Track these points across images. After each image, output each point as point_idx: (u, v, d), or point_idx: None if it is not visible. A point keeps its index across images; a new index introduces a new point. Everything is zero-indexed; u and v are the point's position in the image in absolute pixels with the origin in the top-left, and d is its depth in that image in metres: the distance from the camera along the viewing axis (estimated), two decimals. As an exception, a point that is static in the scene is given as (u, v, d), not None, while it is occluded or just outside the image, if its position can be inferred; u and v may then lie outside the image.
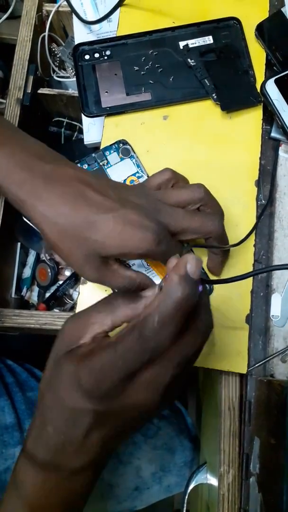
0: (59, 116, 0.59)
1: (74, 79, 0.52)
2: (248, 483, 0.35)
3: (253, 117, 0.42)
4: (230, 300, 0.38)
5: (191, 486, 0.48)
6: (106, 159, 0.41)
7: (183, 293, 0.23)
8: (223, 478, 0.37)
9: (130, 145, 0.41)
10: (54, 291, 0.54)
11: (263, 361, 0.37)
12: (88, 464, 0.27)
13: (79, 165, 0.40)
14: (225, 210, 0.36)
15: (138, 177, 0.40)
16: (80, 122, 0.58)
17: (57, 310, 0.54)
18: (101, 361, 0.25)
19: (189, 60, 0.43)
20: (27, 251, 0.57)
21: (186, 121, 0.42)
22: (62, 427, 0.26)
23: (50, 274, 0.54)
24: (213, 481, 0.44)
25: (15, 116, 0.48)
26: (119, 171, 0.40)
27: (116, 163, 0.41)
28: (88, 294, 0.39)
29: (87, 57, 0.43)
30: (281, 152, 0.42)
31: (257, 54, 0.43)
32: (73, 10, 0.49)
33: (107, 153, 0.41)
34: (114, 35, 0.44)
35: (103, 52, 0.43)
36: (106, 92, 0.42)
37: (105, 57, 0.43)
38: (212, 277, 0.38)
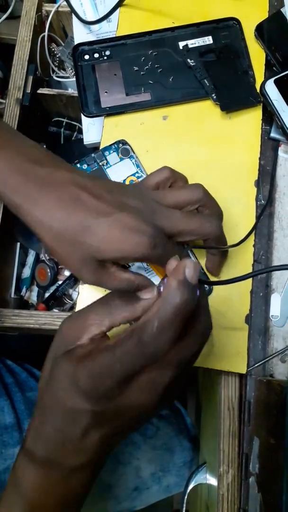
0: (58, 116, 0.59)
1: (74, 79, 0.52)
2: (247, 483, 0.35)
3: (253, 117, 0.42)
4: (230, 300, 0.38)
5: (190, 486, 0.48)
6: (106, 159, 0.41)
7: (182, 299, 0.24)
8: (222, 478, 0.37)
9: (129, 145, 0.41)
10: (53, 291, 0.54)
11: (263, 361, 0.37)
12: (87, 463, 0.27)
13: (78, 165, 0.40)
14: (224, 210, 0.36)
15: (138, 177, 0.40)
16: (80, 122, 0.58)
17: (57, 310, 0.54)
18: (100, 364, 0.25)
19: (188, 60, 0.43)
20: (26, 251, 0.57)
21: (186, 121, 0.42)
22: (60, 426, 0.26)
23: (49, 274, 0.54)
24: (213, 481, 0.44)
25: (15, 116, 0.48)
26: (119, 171, 0.41)
27: (116, 163, 0.41)
28: (88, 294, 0.39)
29: (86, 57, 0.43)
30: (280, 153, 0.42)
31: (257, 55, 0.43)
32: (73, 10, 0.49)
33: (106, 153, 0.41)
34: (114, 35, 0.44)
35: (103, 52, 0.43)
36: (106, 92, 0.42)
37: (105, 57, 0.43)
38: (211, 278, 0.38)
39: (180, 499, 0.50)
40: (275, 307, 0.39)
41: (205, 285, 0.38)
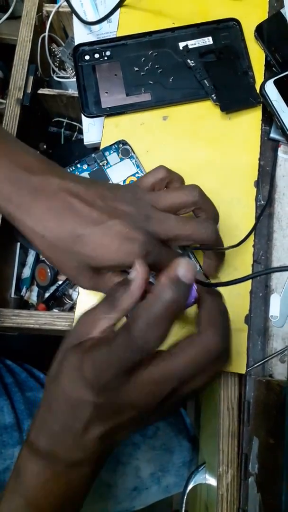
0: (59, 117, 0.59)
1: (74, 79, 0.52)
2: (247, 483, 0.35)
3: (253, 118, 0.42)
4: (229, 300, 0.38)
5: (190, 486, 0.48)
6: (106, 159, 0.41)
7: (172, 296, 0.24)
8: (222, 478, 0.37)
9: (129, 146, 0.41)
10: (53, 291, 0.54)
11: (262, 361, 0.37)
12: (87, 459, 0.27)
13: (79, 165, 0.40)
14: (224, 210, 0.36)
15: (138, 178, 0.40)
16: (80, 122, 0.58)
17: (57, 310, 0.54)
18: (101, 355, 0.25)
19: (188, 60, 0.43)
20: (26, 251, 0.57)
21: (186, 122, 0.42)
22: (63, 418, 0.26)
23: (49, 274, 0.54)
24: (212, 481, 0.44)
25: (15, 116, 0.48)
26: (119, 171, 0.41)
27: (116, 164, 0.41)
28: (87, 294, 0.39)
29: (87, 57, 0.43)
30: (280, 153, 0.42)
31: (257, 55, 0.43)
32: (73, 11, 0.50)
33: (107, 153, 0.41)
34: (114, 36, 0.44)
35: (103, 52, 0.43)
36: (106, 92, 0.42)
37: (105, 58, 0.43)
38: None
39: (180, 499, 0.50)
40: (274, 308, 0.39)
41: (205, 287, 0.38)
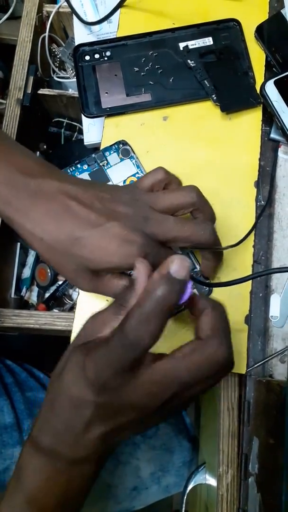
0: (59, 117, 0.59)
1: (74, 79, 0.52)
2: (247, 483, 0.35)
3: (253, 118, 0.42)
4: (229, 300, 0.38)
5: (190, 487, 0.48)
6: (106, 159, 0.41)
7: (163, 292, 0.24)
8: (222, 478, 0.37)
9: (130, 146, 0.41)
10: (53, 291, 0.54)
11: (262, 362, 0.37)
12: (87, 457, 0.27)
13: (79, 165, 0.40)
14: (224, 210, 0.36)
15: (138, 178, 0.40)
16: (80, 122, 0.58)
17: (57, 310, 0.54)
18: (101, 353, 0.25)
19: (189, 61, 0.43)
20: (26, 251, 0.57)
21: (186, 122, 0.42)
22: (65, 416, 0.27)
23: (49, 274, 0.54)
24: (212, 481, 0.44)
25: (15, 116, 0.48)
26: (119, 171, 0.41)
27: (116, 164, 0.41)
28: (88, 294, 0.39)
29: (87, 58, 0.43)
30: (280, 153, 0.43)
31: (257, 56, 0.43)
32: (74, 11, 0.50)
33: (107, 153, 0.41)
34: (114, 36, 0.44)
35: (103, 53, 0.43)
36: (106, 92, 0.42)
37: (105, 58, 0.43)
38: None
39: (180, 500, 0.50)
40: (274, 308, 0.39)
41: (207, 287, 0.38)
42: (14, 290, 0.53)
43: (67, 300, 0.55)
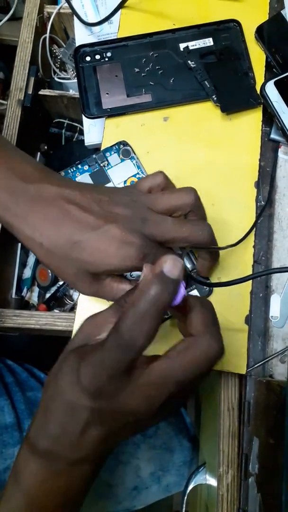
0: (60, 117, 0.60)
1: (75, 80, 0.52)
2: (247, 483, 0.35)
3: (253, 118, 0.42)
4: (230, 301, 0.38)
5: (190, 487, 0.48)
6: (107, 160, 0.41)
7: (156, 291, 0.24)
8: (222, 478, 0.37)
9: (130, 146, 0.41)
10: (54, 292, 0.54)
11: (262, 362, 0.37)
12: (86, 458, 0.27)
13: (79, 166, 0.41)
14: (224, 211, 0.36)
15: (139, 178, 0.41)
16: (81, 123, 0.58)
17: (57, 311, 0.54)
18: (95, 357, 0.25)
19: (189, 62, 0.43)
20: (27, 251, 0.57)
21: (186, 123, 0.42)
22: (61, 419, 0.26)
23: (50, 274, 0.54)
24: (212, 481, 0.44)
25: (16, 117, 0.48)
26: (120, 172, 0.41)
27: (117, 164, 0.41)
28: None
29: (88, 58, 0.43)
30: (280, 154, 0.43)
31: (257, 56, 0.44)
32: (74, 12, 0.50)
33: (107, 154, 0.41)
34: (115, 37, 0.44)
35: (104, 53, 0.43)
36: (107, 93, 0.42)
37: (106, 59, 0.43)
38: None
39: (180, 500, 0.50)
40: (274, 308, 0.39)
41: (207, 287, 0.38)
42: (15, 290, 0.53)
43: (68, 300, 0.55)
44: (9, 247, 0.53)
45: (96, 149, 0.49)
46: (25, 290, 0.55)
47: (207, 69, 0.42)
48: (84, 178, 0.41)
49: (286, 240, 0.41)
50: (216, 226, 0.35)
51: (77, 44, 0.44)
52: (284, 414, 0.34)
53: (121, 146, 0.41)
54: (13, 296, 0.53)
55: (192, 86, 0.42)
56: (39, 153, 0.58)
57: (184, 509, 0.49)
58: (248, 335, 0.38)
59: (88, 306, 0.38)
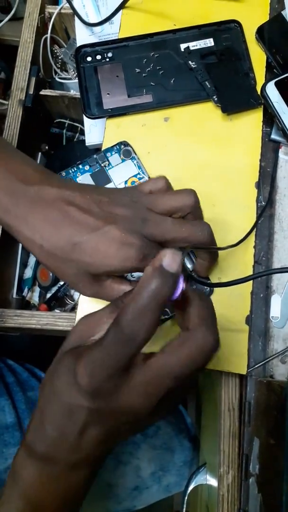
0: (61, 118, 0.60)
1: (76, 80, 0.52)
2: (247, 484, 0.35)
3: (254, 119, 0.42)
4: (230, 301, 0.38)
5: (190, 487, 0.48)
6: (108, 160, 0.41)
7: (156, 285, 0.24)
8: (222, 478, 0.37)
9: (131, 147, 0.41)
10: (55, 292, 0.54)
11: (263, 362, 0.38)
12: (85, 460, 0.27)
13: (80, 166, 0.41)
14: (225, 211, 0.36)
15: (139, 179, 0.41)
16: (82, 123, 0.58)
17: (58, 311, 0.54)
18: (93, 357, 0.25)
19: (190, 62, 0.43)
20: (28, 251, 0.57)
21: (187, 123, 0.42)
22: (59, 421, 0.26)
23: (51, 274, 0.54)
24: (213, 481, 0.44)
25: (17, 117, 0.48)
26: (121, 172, 0.41)
27: (118, 164, 0.41)
28: (89, 294, 0.39)
29: (89, 59, 0.43)
30: (281, 154, 0.43)
31: (258, 57, 0.44)
32: (75, 12, 0.50)
33: (108, 154, 0.41)
34: (116, 37, 0.44)
35: (105, 54, 0.43)
36: (108, 93, 0.42)
37: (107, 59, 0.43)
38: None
39: (181, 500, 0.50)
40: (275, 308, 0.39)
41: (206, 287, 0.38)
42: (16, 290, 0.53)
43: (69, 300, 0.55)
44: (10, 247, 0.53)
45: (97, 149, 0.49)
46: (26, 290, 0.55)
47: (207, 69, 0.42)
48: (85, 178, 0.41)
49: (287, 241, 0.41)
50: (217, 227, 0.35)
51: (78, 44, 0.44)
52: (285, 415, 0.34)
53: (122, 146, 0.41)
54: (14, 296, 0.53)
55: (193, 86, 0.43)
56: (40, 153, 0.58)
57: (184, 509, 0.49)
58: (249, 336, 0.38)
59: (89, 306, 0.38)
